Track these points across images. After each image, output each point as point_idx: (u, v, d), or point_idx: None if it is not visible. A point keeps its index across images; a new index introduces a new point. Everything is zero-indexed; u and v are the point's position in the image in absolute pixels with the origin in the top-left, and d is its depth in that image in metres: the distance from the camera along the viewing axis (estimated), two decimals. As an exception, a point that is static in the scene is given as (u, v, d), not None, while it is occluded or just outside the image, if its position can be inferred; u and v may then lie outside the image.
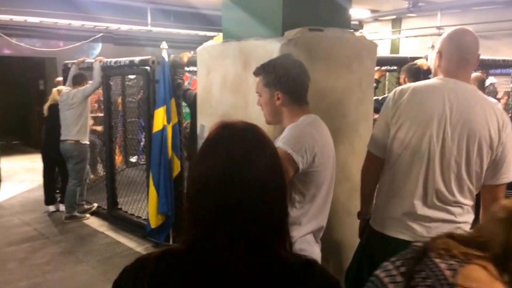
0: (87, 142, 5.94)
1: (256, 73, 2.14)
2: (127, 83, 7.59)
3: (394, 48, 12.25)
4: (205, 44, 2.88)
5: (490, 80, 7.75)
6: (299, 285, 1.04)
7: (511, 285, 1.01)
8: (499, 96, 7.15)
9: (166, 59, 4.77)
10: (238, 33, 2.68)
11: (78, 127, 5.73)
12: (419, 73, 4.62)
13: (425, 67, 4.82)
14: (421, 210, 2.16)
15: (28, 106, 11.84)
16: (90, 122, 6.21)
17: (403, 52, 11.07)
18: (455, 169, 2.12)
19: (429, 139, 2.11)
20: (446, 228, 2.15)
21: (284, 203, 1.10)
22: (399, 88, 2.29)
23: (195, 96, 3.88)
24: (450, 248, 1.08)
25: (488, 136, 2.09)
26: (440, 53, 2.22)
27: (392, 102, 2.23)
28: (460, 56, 2.17)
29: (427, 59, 4.85)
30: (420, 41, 10.96)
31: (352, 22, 12.58)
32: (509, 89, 6.72)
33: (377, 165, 2.32)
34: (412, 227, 2.17)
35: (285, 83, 2.06)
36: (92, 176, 6.93)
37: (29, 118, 11.89)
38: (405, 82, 4.62)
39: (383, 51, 11.75)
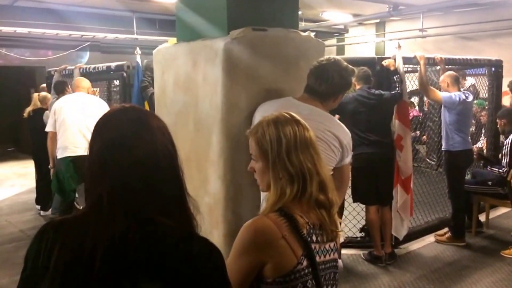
0: None
1: None
2: (113, 89, 7.74)
3: (379, 51, 12.40)
4: (160, 47, 3.02)
5: (470, 81, 7.91)
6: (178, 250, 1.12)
7: None
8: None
9: (140, 64, 4.95)
10: (189, 35, 2.82)
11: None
12: (368, 77, 4.74)
13: (392, 68, 4.94)
14: None
15: (20, 114, 12.03)
16: None
17: (388, 55, 11.16)
18: None
19: None
20: None
21: (176, 179, 1.19)
22: None
23: (152, 94, 4.19)
24: None
25: None
26: None
27: None
28: None
29: (395, 60, 4.95)
30: (404, 44, 11.09)
31: (338, 27, 12.81)
32: (486, 88, 6.84)
33: None
34: None
35: None
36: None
37: (21, 125, 12.08)
38: (354, 87, 4.77)
39: (368, 54, 11.91)
